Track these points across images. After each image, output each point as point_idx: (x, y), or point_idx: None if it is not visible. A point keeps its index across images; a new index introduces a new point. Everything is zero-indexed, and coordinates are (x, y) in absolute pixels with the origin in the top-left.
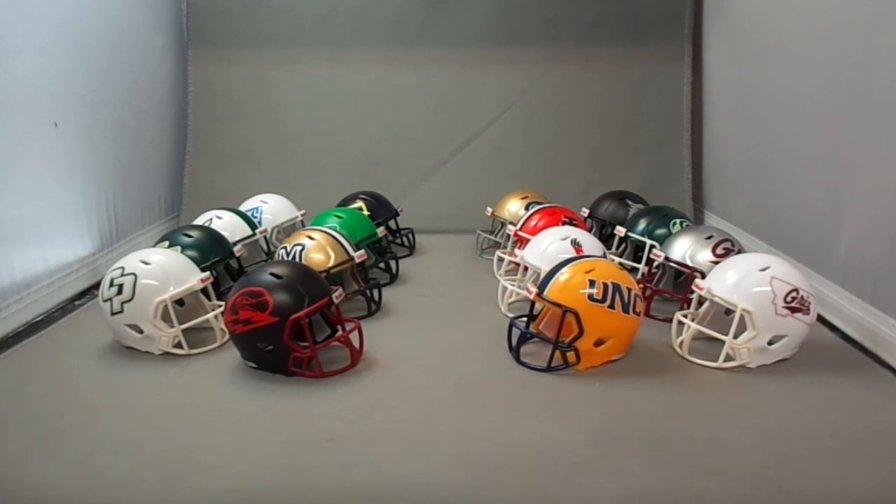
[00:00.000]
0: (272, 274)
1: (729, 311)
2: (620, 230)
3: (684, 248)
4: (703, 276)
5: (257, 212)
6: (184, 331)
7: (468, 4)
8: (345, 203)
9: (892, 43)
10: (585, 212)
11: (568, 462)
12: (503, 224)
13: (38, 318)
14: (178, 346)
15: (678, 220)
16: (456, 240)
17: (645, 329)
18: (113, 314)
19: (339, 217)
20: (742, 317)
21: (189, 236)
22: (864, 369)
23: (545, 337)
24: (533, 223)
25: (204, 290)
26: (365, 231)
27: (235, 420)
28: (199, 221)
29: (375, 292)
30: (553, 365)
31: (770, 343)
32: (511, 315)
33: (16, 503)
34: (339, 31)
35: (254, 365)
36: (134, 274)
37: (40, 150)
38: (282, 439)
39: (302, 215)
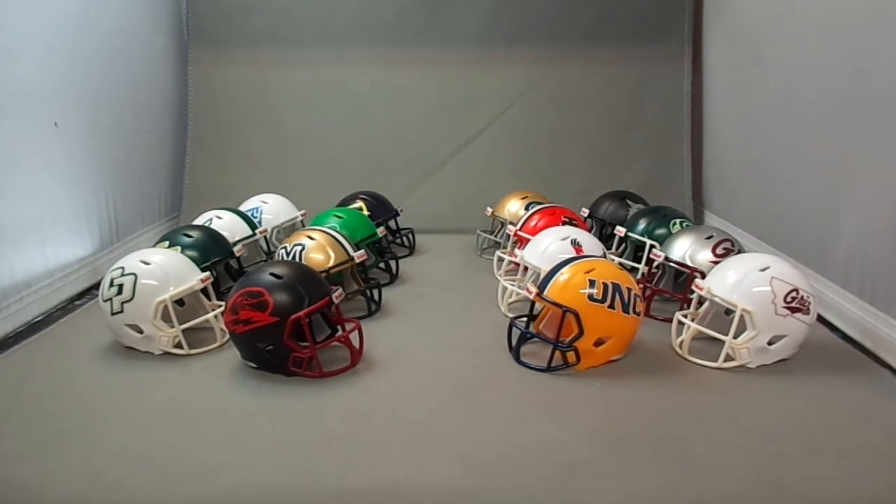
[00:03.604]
0: (272, 274)
1: (729, 311)
2: (620, 230)
3: (684, 248)
4: (703, 276)
5: (257, 212)
6: (184, 331)
7: (468, 4)
8: (345, 203)
9: (892, 43)
10: (585, 212)
11: (568, 462)
12: (503, 224)
13: (38, 318)
14: (178, 346)
15: (678, 220)
16: (456, 240)
17: (645, 329)
18: (113, 314)
19: (339, 217)
20: (742, 317)
21: (189, 236)
22: (864, 369)
23: (545, 337)
24: (533, 223)
25: (204, 290)
26: (365, 231)
27: (235, 420)
28: (199, 221)
29: (375, 292)
30: (553, 365)
31: (770, 343)
32: (511, 315)
33: (16, 503)
34: (339, 31)
35: (254, 365)
36: (134, 274)
37: (40, 150)
38: (282, 439)
39: (302, 215)
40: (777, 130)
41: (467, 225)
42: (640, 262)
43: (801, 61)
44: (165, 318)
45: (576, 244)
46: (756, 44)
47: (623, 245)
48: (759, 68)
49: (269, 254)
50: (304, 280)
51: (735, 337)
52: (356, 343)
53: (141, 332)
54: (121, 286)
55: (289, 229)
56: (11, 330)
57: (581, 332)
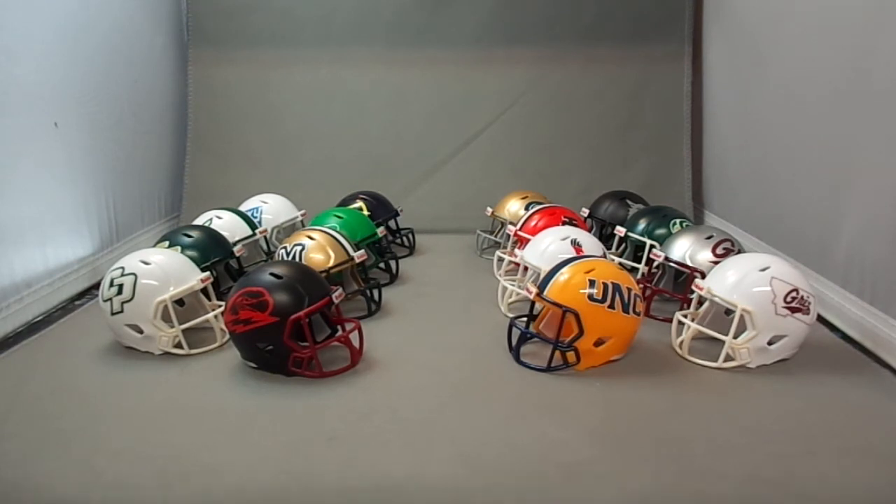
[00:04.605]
0: (272, 274)
1: (729, 311)
2: (620, 230)
3: (684, 248)
4: (703, 276)
5: (257, 212)
6: (184, 331)
7: (468, 4)
8: (345, 203)
9: (892, 43)
10: (585, 212)
11: (568, 462)
12: (503, 224)
13: (38, 318)
14: (178, 346)
15: (678, 220)
16: (456, 240)
17: (645, 329)
18: (113, 314)
19: (339, 217)
20: (742, 317)
21: (189, 236)
22: (864, 369)
23: (545, 337)
24: (533, 223)
25: (204, 290)
26: (365, 231)
27: (235, 420)
28: (199, 221)
29: (375, 292)
30: (553, 365)
31: (770, 343)
32: (511, 315)
33: (16, 503)
34: (339, 31)
35: (254, 365)
36: (134, 274)
37: (40, 150)
38: (282, 439)
39: (302, 215)
40: (777, 130)
41: (467, 225)
42: (640, 262)
43: (801, 61)
44: (165, 318)
45: (576, 244)
46: (756, 44)
47: (623, 245)
48: (759, 68)
49: (269, 254)
50: (304, 280)
51: (735, 337)
52: (356, 343)
53: (141, 332)
54: (121, 286)
55: (289, 229)
56: (11, 330)
57: (581, 332)
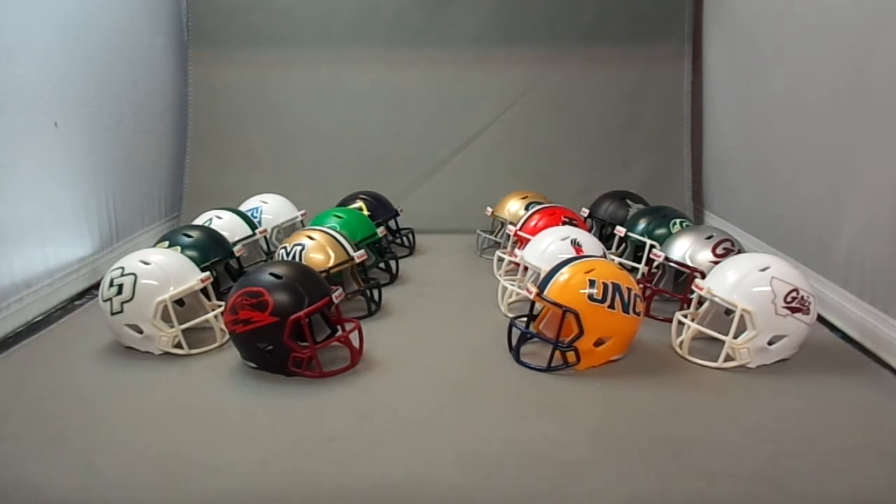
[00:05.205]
0: (272, 274)
1: (729, 311)
2: (620, 230)
3: (684, 248)
4: (703, 276)
5: (257, 212)
6: (184, 331)
7: (468, 4)
8: (345, 203)
9: (892, 43)
10: (585, 212)
11: (568, 462)
12: (503, 224)
13: (38, 318)
14: (178, 346)
15: (678, 220)
16: (456, 240)
17: (645, 329)
18: (113, 314)
19: (339, 217)
20: (742, 317)
21: (189, 236)
22: (864, 369)
23: (545, 337)
24: (533, 223)
25: (204, 290)
26: (365, 231)
27: (235, 420)
28: (199, 221)
29: (375, 292)
30: (553, 365)
31: (770, 343)
32: (511, 315)
33: (16, 503)
34: (339, 31)
35: (254, 365)
36: (134, 274)
37: (40, 150)
38: (282, 439)
39: (302, 215)
40: (777, 130)
41: (467, 225)
42: (640, 262)
43: (801, 61)
44: (165, 318)
45: (576, 244)
46: (756, 44)
47: (623, 245)
48: (759, 68)
49: (269, 254)
50: (304, 280)
51: (735, 337)
52: (356, 343)
53: (141, 332)
54: (121, 286)
55: (289, 229)
56: (11, 330)
57: (581, 332)
